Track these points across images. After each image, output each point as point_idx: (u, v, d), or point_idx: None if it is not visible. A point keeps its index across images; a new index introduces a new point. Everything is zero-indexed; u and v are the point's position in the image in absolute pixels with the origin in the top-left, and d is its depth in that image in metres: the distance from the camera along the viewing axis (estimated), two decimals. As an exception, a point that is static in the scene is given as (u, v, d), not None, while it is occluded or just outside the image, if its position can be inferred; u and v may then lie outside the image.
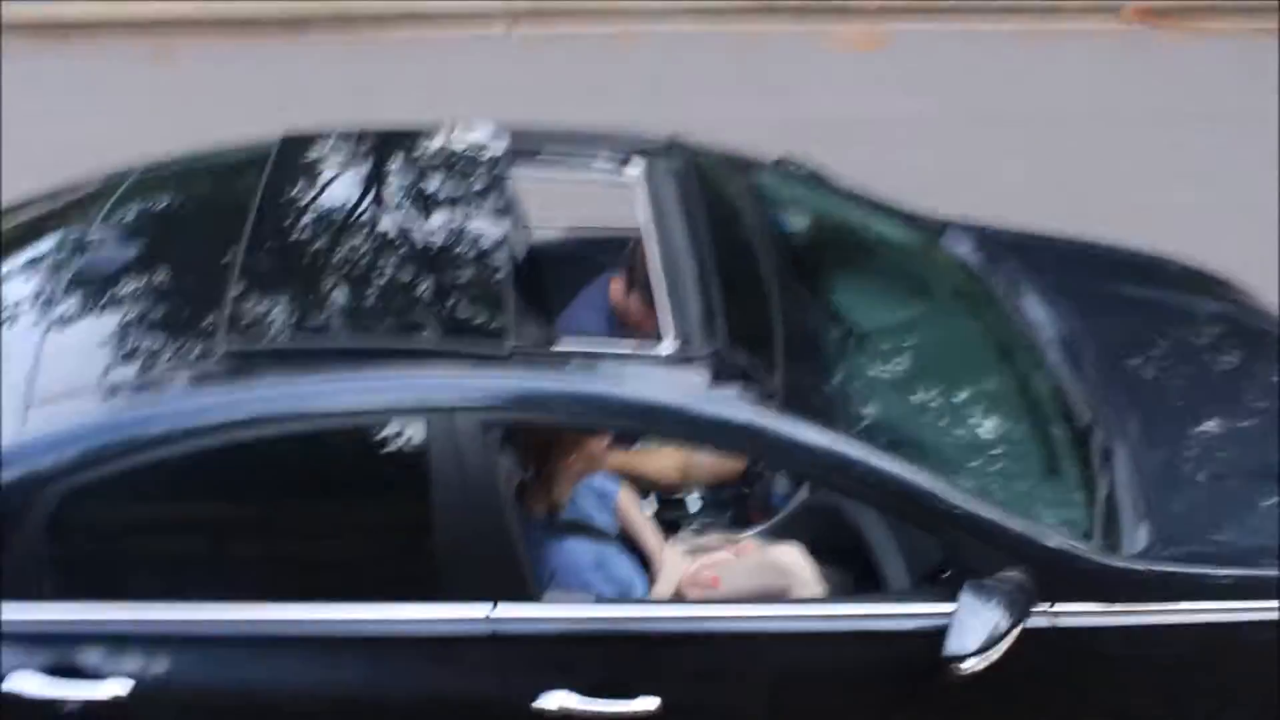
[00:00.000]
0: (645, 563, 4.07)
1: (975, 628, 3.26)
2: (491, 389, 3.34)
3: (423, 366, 3.33)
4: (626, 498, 4.16)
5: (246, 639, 3.37)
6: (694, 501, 4.49)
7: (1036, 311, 4.45)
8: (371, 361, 3.33)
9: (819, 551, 4.04)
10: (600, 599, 3.53)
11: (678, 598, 3.92)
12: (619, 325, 4.39)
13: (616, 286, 4.45)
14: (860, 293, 4.39)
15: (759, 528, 4.35)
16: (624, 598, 3.64)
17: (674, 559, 3.99)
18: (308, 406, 3.29)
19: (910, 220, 4.83)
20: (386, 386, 3.31)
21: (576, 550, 3.72)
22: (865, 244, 4.67)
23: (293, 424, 3.28)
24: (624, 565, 3.88)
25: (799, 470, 3.49)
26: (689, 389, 3.37)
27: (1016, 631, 3.29)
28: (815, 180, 4.83)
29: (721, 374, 3.41)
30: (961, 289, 4.55)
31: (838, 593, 4.04)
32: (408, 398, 3.31)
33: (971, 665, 3.25)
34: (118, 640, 3.34)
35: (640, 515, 4.17)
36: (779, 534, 4.26)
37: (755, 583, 3.97)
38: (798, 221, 4.66)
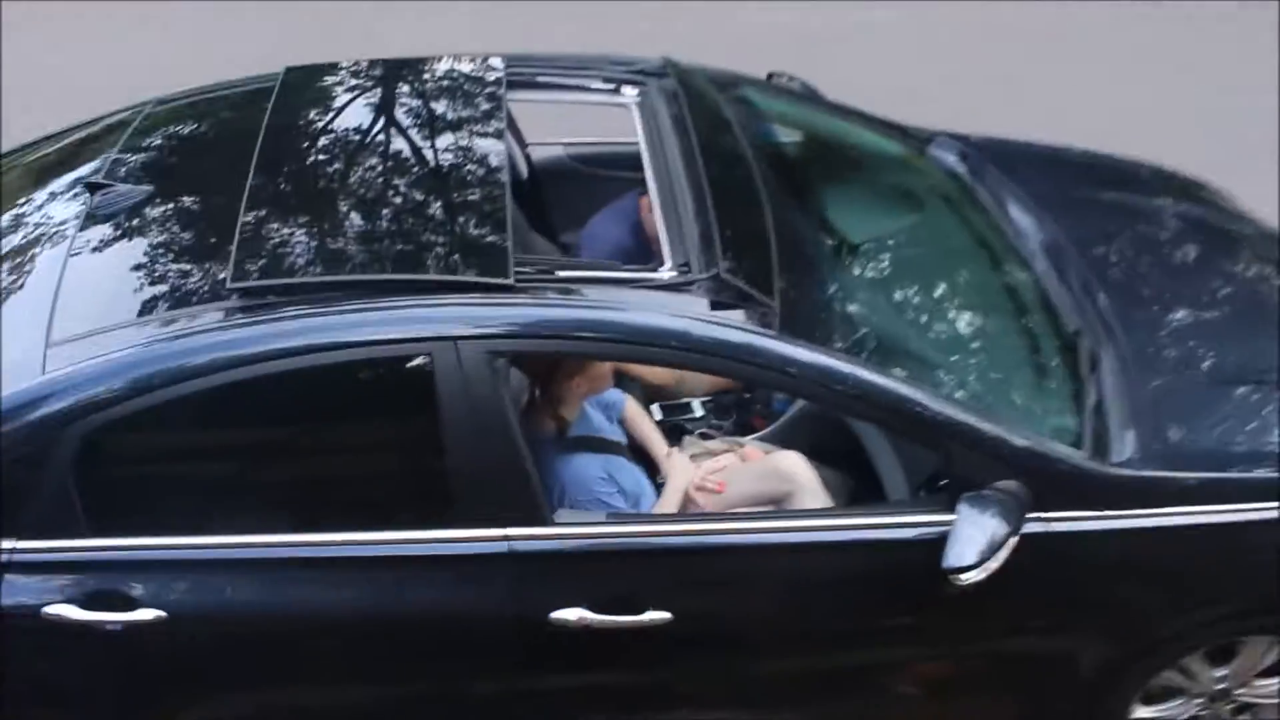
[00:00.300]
0: (654, 470, 4.19)
1: (973, 540, 3.36)
2: (496, 318, 3.41)
3: (428, 297, 3.39)
4: (633, 408, 4.26)
5: (270, 564, 3.47)
6: (698, 407, 4.59)
7: (1023, 220, 4.51)
8: (377, 294, 3.39)
9: (820, 455, 4.15)
10: (610, 515, 3.63)
11: (686, 503, 4.04)
12: (644, 240, 4.41)
13: (644, 202, 4.47)
14: (852, 205, 4.45)
15: (762, 433, 4.46)
16: (631, 512, 3.74)
17: (681, 465, 4.09)
18: (316, 339, 3.35)
19: (899, 132, 4.88)
20: (392, 318, 3.37)
21: (585, 465, 3.83)
22: (855, 157, 4.72)
23: (302, 357, 3.35)
24: (632, 475, 3.99)
25: (798, 392, 3.56)
26: (689, 313, 3.44)
27: (1013, 542, 3.40)
28: (806, 94, 4.87)
29: (721, 297, 3.48)
30: (949, 199, 4.61)
31: (839, 497, 4.17)
32: (413, 329, 3.38)
33: (971, 577, 3.36)
34: (148, 568, 3.44)
35: (647, 424, 4.27)
36: (781, 438, 4.37)
37: (759, 488, 4.09)
38: (790, 137, 4.71)
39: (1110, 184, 4.84)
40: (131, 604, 3.43)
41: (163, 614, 3.44)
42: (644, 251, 4.28)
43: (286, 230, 3.56)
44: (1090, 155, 5.08)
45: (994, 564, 3.37)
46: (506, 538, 3.47)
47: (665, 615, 3.52)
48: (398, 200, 3.66)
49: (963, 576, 3.36)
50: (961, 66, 7.26)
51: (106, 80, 5.99)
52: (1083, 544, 3.60)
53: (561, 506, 3.78)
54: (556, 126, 5.06)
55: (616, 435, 4.09)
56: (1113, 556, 3.62)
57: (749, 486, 4.09)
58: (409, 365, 3.41)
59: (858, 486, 4.19)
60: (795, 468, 4.07)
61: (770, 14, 7.65)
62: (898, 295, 4.11)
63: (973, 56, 7.37)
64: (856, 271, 4.07)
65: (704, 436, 4.41)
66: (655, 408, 4.51)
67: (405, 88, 4.15)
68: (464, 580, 3.51)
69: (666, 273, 3.57)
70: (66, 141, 4.27)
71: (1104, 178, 4.90)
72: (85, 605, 3.42)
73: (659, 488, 4.10)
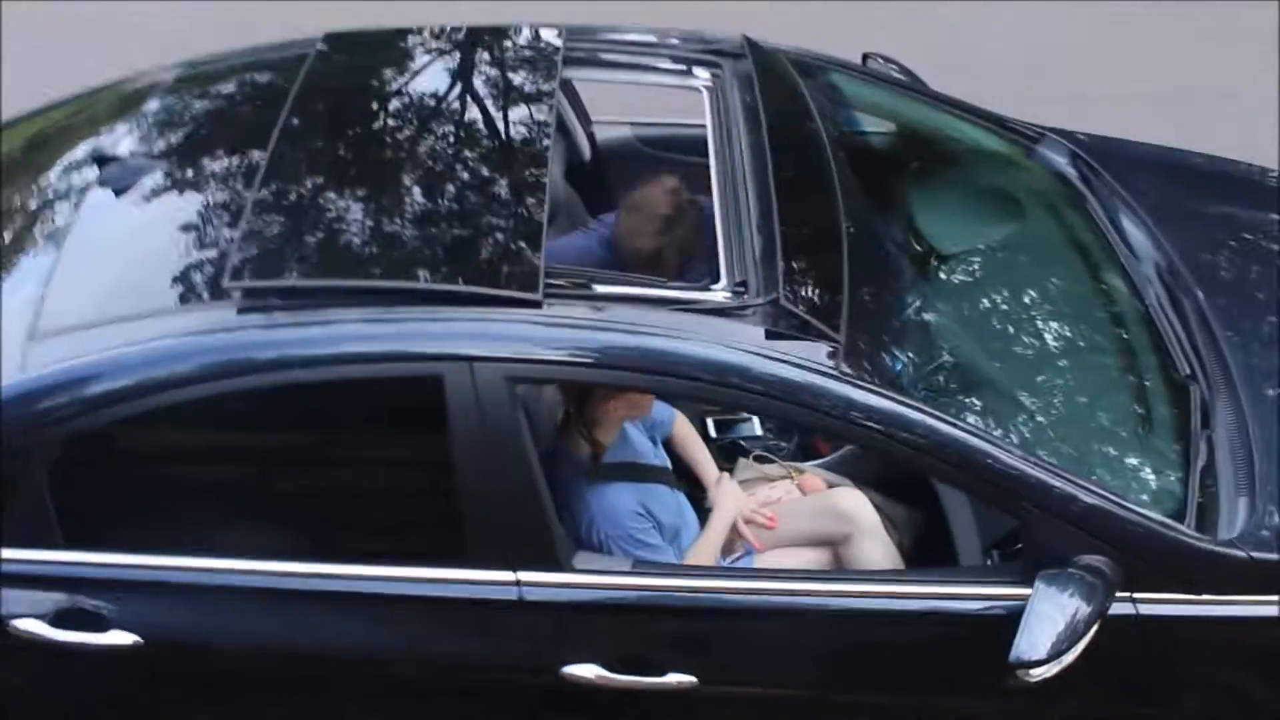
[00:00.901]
0: (703, 492, 3.73)
1: (1048, 629, 2.87)
2: (518, 338, 2.96)
3: (443, 310, 2.96)
4: (682, 427, 3.80)
5: (258, 593, 3.09)
6: (757, 425, 4.12)
7: (1137, 236, 3.96)
8: (388, 302, 2.97)
9: (886, 486, 3.69)
10: (635, 564, 3.18)
11: (733, 537, 3.58)
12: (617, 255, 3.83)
13: (622, 219, 3.89)
14: (944, 212, 3.92)
15: (826, 459, 3.98)
16: (660, 561, 3.28)
17: (730, 494, 3.62)
18: (315, 350, 2.95)
19: (1005, 127, 4.33)
20: (401, 332, 2.95)
21: (619, 496, 3.37)
22: (953, 155, 4.19)
23: (300, 370, 2.94)
24: (673, 505, 3.53)
25: (860, 440, 3.06)
26: (742, 345, 2.97)
27: (1090, 635, 2.90)
28: (903, 81, 4.33)
29: (779, 326, 3.00)
30: (1056, 209, 4.07)
31: (905, 534, 3.69)
32: (424, 345, 2.95)
33: (1041, 673, 2.86)
34: (124, 588, 3.08)
35: (697, 446, 3.81)
36: (846, 466, 3.90)
37: (815, 528, 3.63)
38: (879, 130, 4.19)
39: (1234, 198, 4.25)
40: (104, 625, 3.08)
41: (139, 639, 3.08)
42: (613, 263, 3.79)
43: (297, 222, 3.14)
44: (1213, 161, 4.48)
45: (1069, 658, 2.88)
46: (518, 582, 3.05)
47: (690, 679, 3.08)
48: (423, 196, 3.22)
49: (1033, 672, 2.87)
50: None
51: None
52: (1176, 631, 3.08)
53: (591, 539, 3.34)
54: (630, 103, 4.58)
55: (659, 459, 3.63)
56: (1211, 647, 3.10)
57: (804, 524, 3.63)
58: (417, 386, 2.97)
59: (926, 523, 3.71)
60: (856, 508, 3.60)
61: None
62: (982, 323, 3.59)
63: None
64: (939, 295, 3.55)
65: (760, 459, 3.94)
66: (710, 422, 4.06)
67: (448, 64, 3.70)
68: (470, 624, 3.11)
69: (720, 293, 3.10)
70: (83, 107, 3.89)
71: (1229, 190, 4.31)
72: (55, 623, 3.07)
73: (706, 515, 3.65)
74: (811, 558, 3.61)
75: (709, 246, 3.29)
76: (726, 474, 3.75)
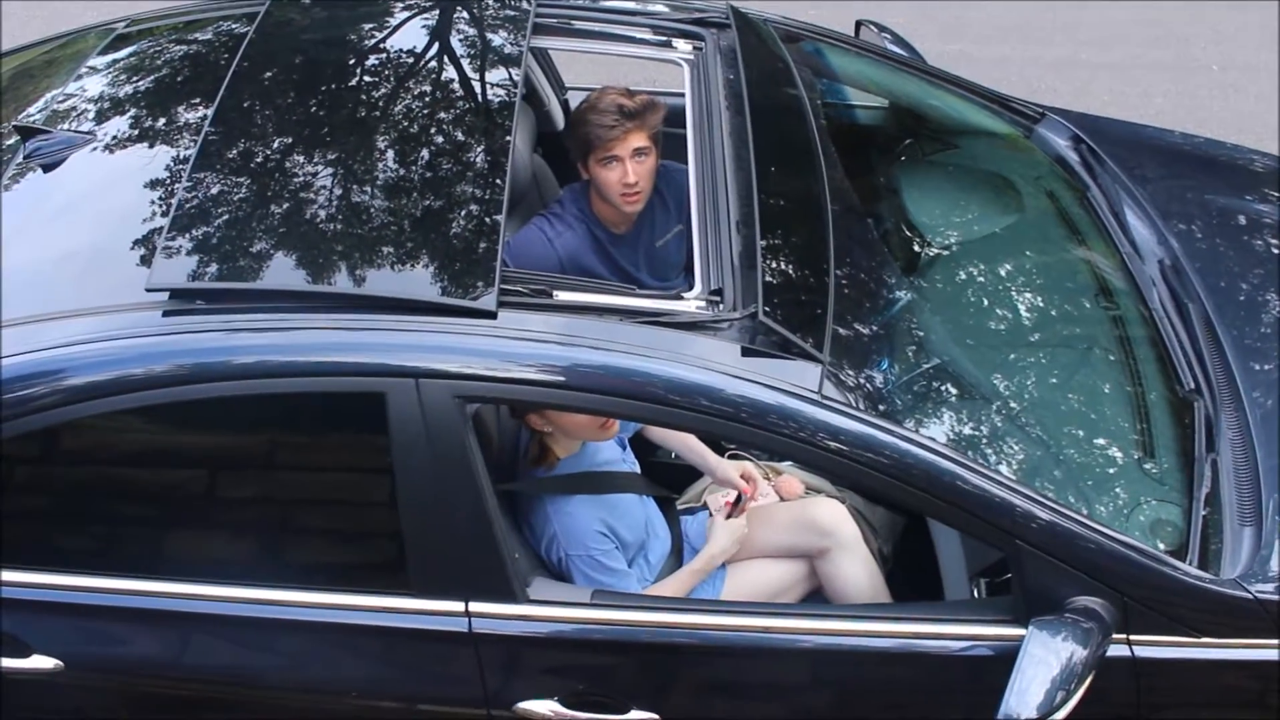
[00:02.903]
0: (681, 482, 3.45)
1: (1038, 682, 2.55)
2: (469, 353, 2.59)
3: (389, 318, 2.60)
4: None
5: (181, 617, 2.76)
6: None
7: (1140, 231, 3.60)
8: (327, 308, 2.61)
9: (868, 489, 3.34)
10: (594, 594, 2.85)
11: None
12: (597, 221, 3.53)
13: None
14: (938, 201, 3.58)
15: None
16: (619, 593, 2.94)
17: (729, 534, 3.19)
18: (242, 360, 2.59)
19: (1004, 106, 3.97)
20: (340, 342, 2.59)
21: (580, 513, 3.03)
22: (948, 140, 3.82)
23: (228, 382, 2.59)
24: (639, 519, 3.19)
25: (842, 472, 2.71)
26: (715, 363, 2.62)
27: (1086, 684, 2.59)
28: (899, 52, 3.96)
29: (756, 343, 2.66)
30: (1055, 196, 3.71)
31: (885, 542, 3.38)
32: (365, 357, 2.59)
33: None
34: (45, 610, 2.76)
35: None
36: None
37: (792, 540, 3.32)
38: (871, 107, 3.82)
39: (1242, 189, 3.88)
40: (25, 650, 2.76)
41: (59, 664, 2.76)
42: (609, 244, 3.50)
43: (231, 212, 2.76)
44: (1213, 146, 4.12)
45: (1060, 714, 2.57)
46: (467, 613, 2.73)
47: (652, 717, 2.77)
48: (368, 186, 2.83)
49: None
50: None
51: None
52: (1172, 675, 2.78)
53: (551, 557, 3.02)
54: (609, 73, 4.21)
55: (628, 463, 3.30)
56: (1212, 693, 2.80)
57: (780, 536, 3.31)
58: (356, 403, 2.62)
59: (908, 529, 3.40)
60: (835, 522, 3.28)
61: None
62: (973, 327, 3.24)
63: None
64: (930, 304, 3.19)
65: (735, 458, 3.61)
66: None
67: (404, 32, 3.29)
68: (418, 657, 2.78)
69: (694, 302, 2.74)
70: (6, 69, 3.49)
71: (1235, 180, 3.93)
72: None
73: (677, 515, 3.33)
74: (786, 570, 3.30)
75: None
76: (718, 508, 3.35)
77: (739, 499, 3.27)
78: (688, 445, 3.39)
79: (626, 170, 3.36)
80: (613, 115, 3.33)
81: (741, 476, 3.33)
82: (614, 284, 2.81)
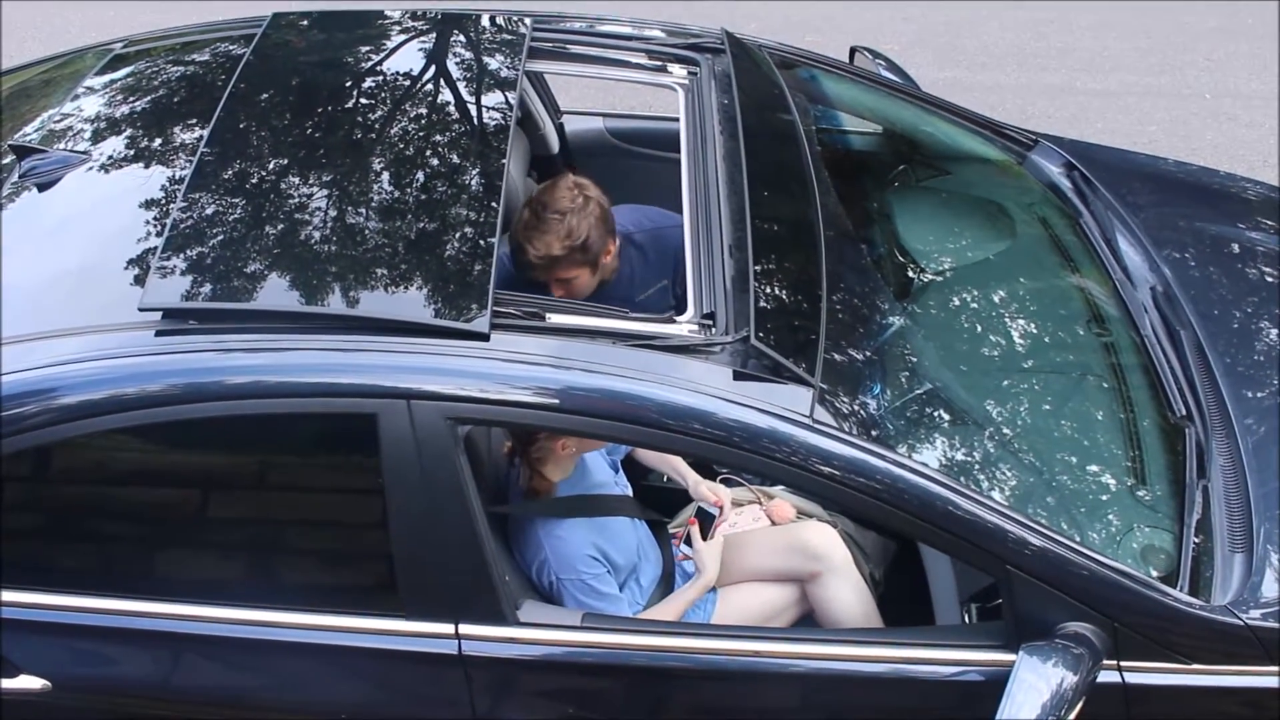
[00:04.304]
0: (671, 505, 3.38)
1: (1028, 711, 2.50)
2: (460, 375, 2.55)
3: (380, 340, 2.55)
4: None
5: (170, 638, 2.72)
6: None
7: (1132, 258, 3.57)
8: (320, 329, 2.57)
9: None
10: (585, 617, 2.81)
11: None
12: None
13: None
14: (931, 227, 3.55)
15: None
16: (609, 616, 2.90)
17: (715, 560, 3.13)
18: (238, 380, 2.55)
19: (997, 132, 3.94)
20: (333, 363, 2.55)
21: (571, 537, 2.99)
22: (941, 167, 3.79)
23: (221, 403, 2.55)
24: (631, 544, 3.14)
25: (834, 496, 2.67)
26: (709, 389, 2.58)
27: (1073, 716, 2.55)
28: (893, 79, 3.93)
29: (748, 367, 2.62)
30: (1048, 223, 3.68)
31: (876, 566, 3.34)
32: (357, 378, 2.55)
33: None
34: (33, 629, 2.71)
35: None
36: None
37: (783, 564, 3.26)
38: (864, 134, 3.79)
39: (1233, 217, 3.85)
40: (12, 670, 2.72)
41: (47, 684, 2.71)
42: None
43: (225, 233, 2.73)
44: (1206, 174, 4.09)
45: None
46: (457, 635, 2.68)
47: (642, 741, 2.73)
48: (362, 209, 2.79)
49: None
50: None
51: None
52: (1162, 701, 2.73)
53: (542, 580, 2.97)
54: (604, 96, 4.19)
55: (620, 486, 3.26)
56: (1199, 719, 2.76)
57: (771, 560, 3.27)
58: (349, 423, 2.58)
59: (899, 554, 3.36)
60: (827, 547, 3.24)
61: None
62: (965, 353, 3.20)
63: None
64: (922, 329, 3.15)
65: (727, 482, 3.57)
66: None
67: (402, 53, 3.27)
68: (408, 678, 2.74)
69: (686, 326, 2.70)
70: (4, 88, 3.46)
71: (1226, 208, 3.90)
72: None
73: (669, 539, 3.29)
74: (778, 594, 3.26)
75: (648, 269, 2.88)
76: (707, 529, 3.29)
77: (701, 518, 3.20)
78: (669, 460, 3.35)
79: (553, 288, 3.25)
80: (523, 256, 3.20)
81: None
82: (606, 307, 2.78)
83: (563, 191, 3.20)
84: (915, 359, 3.01)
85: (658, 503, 3.34)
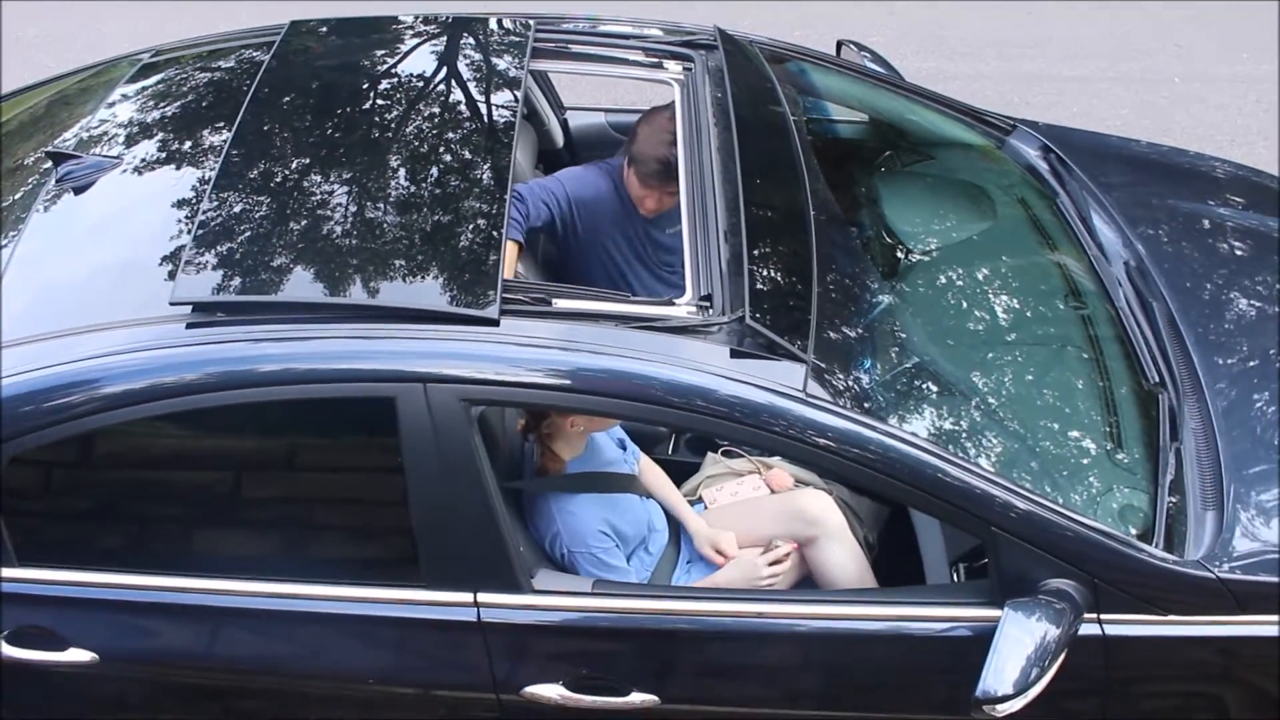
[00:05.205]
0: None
1: (1013, 661, 2.56)
2: (473, 359, 2.60)
3: (397, 327, 2.61)
4: (645, 461, 3.45)
5: (207, 611, 2.77)
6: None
7: (1107, 234, 3.61)
8: (340, 319, 2.62)
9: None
10: (595, 585, 2.86)
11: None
12: (628, 201, 3.65)
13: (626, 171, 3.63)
14: (916, 209, 3.59)
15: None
16: (619, 582, 2.96)
17: (746, 564, 3.19)
18: (262, 368, 2.60)
19: (978, 119, 3.97)
20: (353, 351, 2.60)
21: (582, 512, 3.04)
22: (926, 151, 3.82)
23: (248, 390, 2.60)
24: (641, 517, 3.20)
25: (827, 465, 2.73)
26: (706, 364, 2.63)
27: (1059, 663, 2.60)
28: (878, 70, 3.97)
29: (744, 345, 2.67)
30: (1026, 203, 3.72)
31: (870, 530, 3.39)
32: (376, 364, 2.60)
33: (1007, 708, 2.57)
34: (79, 606, 2.77)
35: (664, 483, 3.40)
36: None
37: (780, 530, 3.30)
38: (851, 123, 3.83)
39: (1197, 191, 3.89)
40: (62, 644, 2.77)
41: (95, 656, 2.77)
42: (627, 212, 3.61)
43: (249, 230, 2.78)
44: (1176, 154, 4.13)
45: (1035, 690, 2.58)
46: (476, 604, 2.74)
47: (652, 699, 2.78)
48: (378, 204, 2.84)
49: (999, 708, 2.56)
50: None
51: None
52: (1140, 651, 2.78)
53: (554, 553, 3.03)
54: (605, 93, 4.22)
55: (628, 464, 3.30)
56: (1180, 668, 2.80)
57: (769, 526, 3.31)
58: (369, 407, 2.63)
59: (891, 518, 3.40)
60: (822, 512, 3.28)
61: None
62: (951, 328, 3.25)
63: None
64: (909, 306, 3.20)
65: (728, 454, 3.62)
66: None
67: (414, 56, 3.31)
68: (430, 645, 2.80)
69: (685, 308, 2.75)
70: (43, 98, 3.50)
71: (1192, 184, 3.94)
72: (14, 641, 2.76)
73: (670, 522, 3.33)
74: (776, 558, 3.30)
75: None
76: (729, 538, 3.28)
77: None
78: (669, 501, 3.36)
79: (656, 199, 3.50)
80: (656, 166, 3.47)
81: (717, 550, 3.26)
82: (609, 291, 2.82)
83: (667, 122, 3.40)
84: (903, 335, 3.05)
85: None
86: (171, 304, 2.62)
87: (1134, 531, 2.82)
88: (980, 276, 3.42)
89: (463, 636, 2.74)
